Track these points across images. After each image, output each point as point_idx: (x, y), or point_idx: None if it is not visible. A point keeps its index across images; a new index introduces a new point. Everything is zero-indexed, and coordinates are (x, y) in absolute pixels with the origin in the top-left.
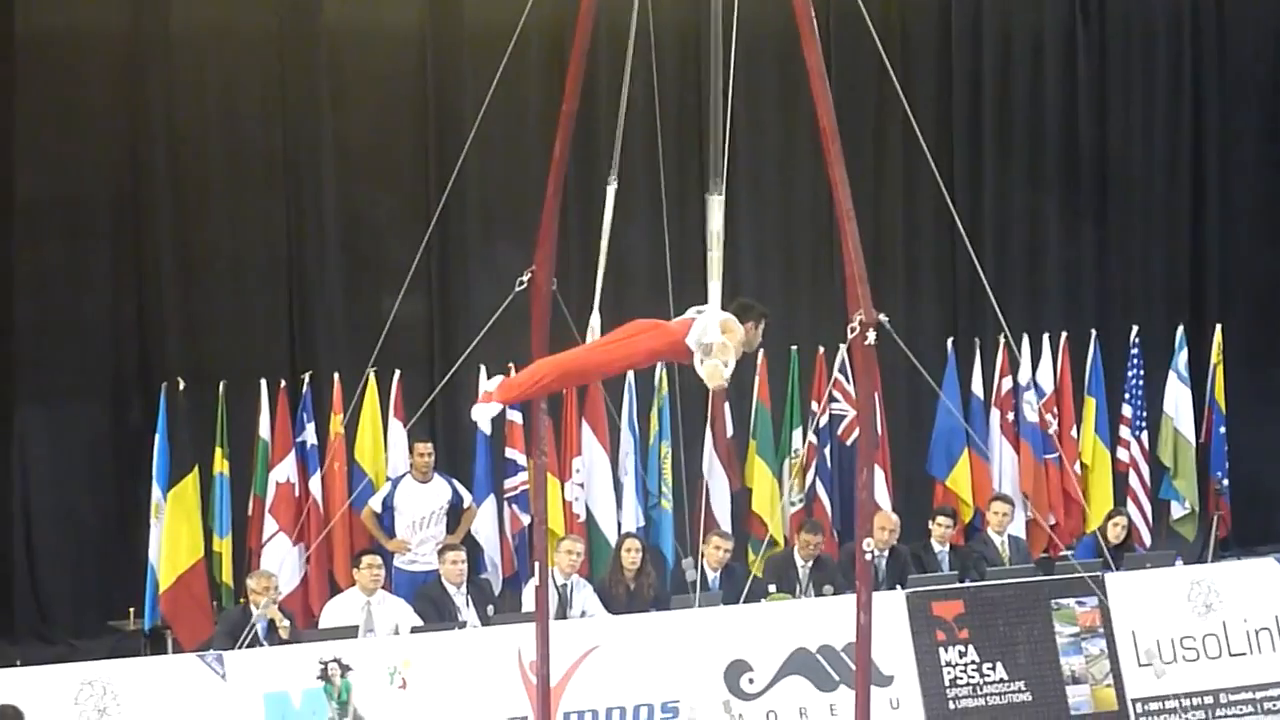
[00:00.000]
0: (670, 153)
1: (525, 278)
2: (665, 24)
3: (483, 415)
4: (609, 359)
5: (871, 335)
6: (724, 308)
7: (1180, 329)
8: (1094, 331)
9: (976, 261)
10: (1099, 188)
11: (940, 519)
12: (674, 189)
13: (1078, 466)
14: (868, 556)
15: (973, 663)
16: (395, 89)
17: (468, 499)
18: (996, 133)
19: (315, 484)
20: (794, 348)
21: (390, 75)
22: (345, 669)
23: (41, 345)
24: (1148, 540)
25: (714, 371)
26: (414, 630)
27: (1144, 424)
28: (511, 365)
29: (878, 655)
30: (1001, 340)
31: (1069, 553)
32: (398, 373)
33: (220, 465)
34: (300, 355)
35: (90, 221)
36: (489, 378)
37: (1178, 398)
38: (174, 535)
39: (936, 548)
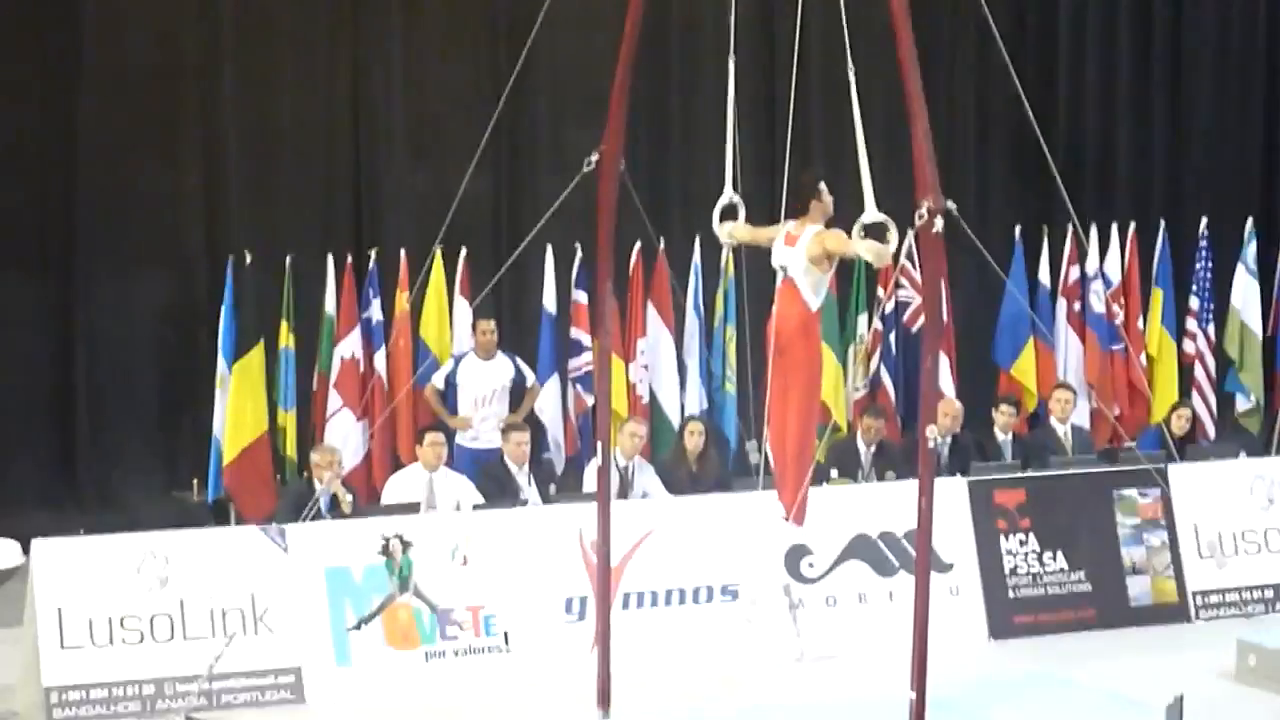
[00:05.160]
0: (744, 35)
1: (594, 158)
2: None
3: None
4: (814, 404)
5: (939, 222)
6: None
7: (1250, 221)
8: (1162, 222)
9: (1046, 150)
10: (1172, 79)
11: (1004, 407)
12: (745, 72)
13: (1143, 358)
14: (930, 443)
15: (1033, 551)
16: None
17: (531, 378)
18: (1070, 19)
19: (380, 360)
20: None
21: None
22: (407, 545)
23: (107, 217)
24: (1212, 433)
25: (879, 252)
26: (476, 507)
27: (1211, 316)
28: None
29: (938, 542)
30: (1070, 229)
31: (1132, 444)
32: (464, 250)
33: (286, 339)
34: (367, 231)
35: (157, 93)
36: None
37: (1246, 291)
38: (239, 408)
39: (999, 436)
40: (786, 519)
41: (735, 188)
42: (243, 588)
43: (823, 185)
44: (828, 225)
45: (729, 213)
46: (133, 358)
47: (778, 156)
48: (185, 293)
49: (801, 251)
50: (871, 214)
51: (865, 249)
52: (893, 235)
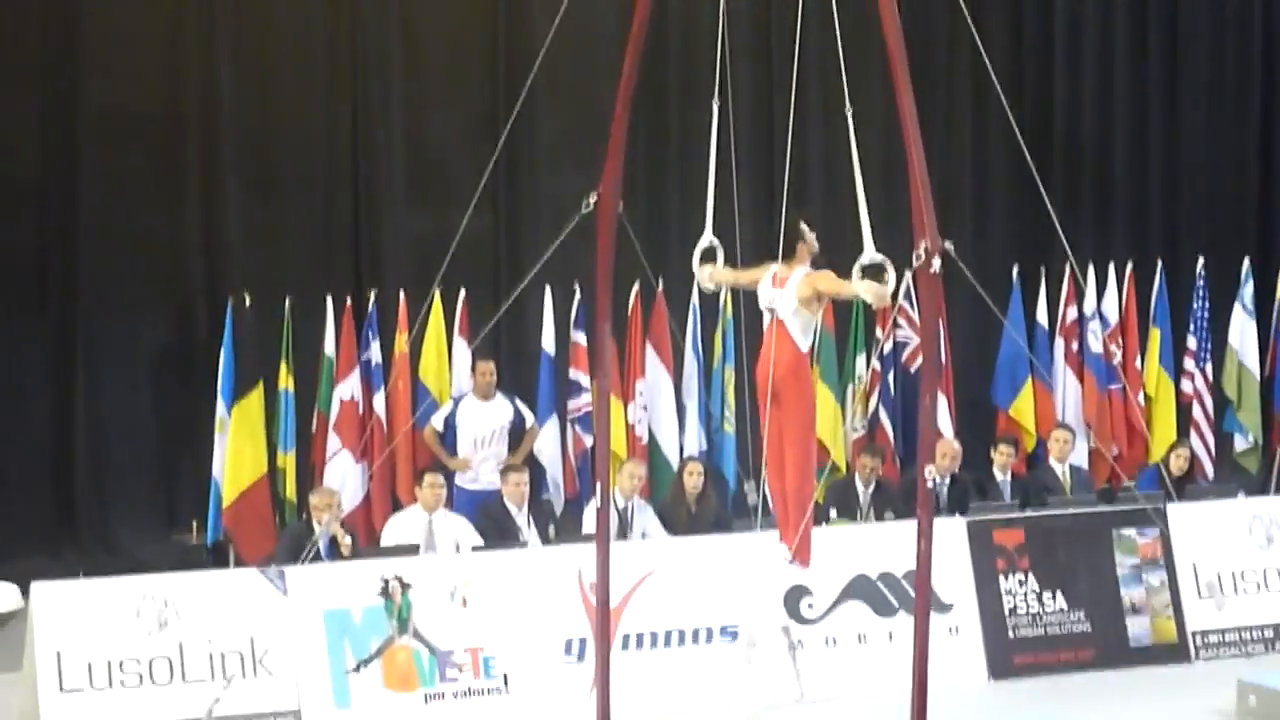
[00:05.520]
0: (741, 77)
1: (592, 199)
2: None
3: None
4: (811, 444)
5: (937, 262)
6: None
7: (1246, 261)
8: (1160, 262)
9: (1043, 190)
10: (1169, 118)
11: (1002, 447)
12: (745, 113)
13: (1141, 397)
14: (929, 483)
15: (1033, 591)
16: (465, 4)
17: (530, 419)
18: (1067, 60)
19: (379, 401)
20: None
21: None
22: (406, 586)
23: (108, 257)
24: (1210, 473)
25: (879, 293)
26: (475, 549)
27: (1208, 356)
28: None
29: (938, 582)
30: (1067, 269)
31: (1131, 484)
32: (463, 291)
33: (285, 381)
34: (366, 272)
35: (157, 133)
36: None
37: (1243, 330)
38: (238, 450)
39: (998, 476)
40: (791, 561)
41: (714, 230)
42: (242, 630)
43: (805, 226)
44: (814, 265)
45: (708, 255)
46: (132, 399)
47: (776, 198)
48: (185, 334)
49: (791, 293)
50: (870, 255)
51: (864, 289)
52: (890, 276)
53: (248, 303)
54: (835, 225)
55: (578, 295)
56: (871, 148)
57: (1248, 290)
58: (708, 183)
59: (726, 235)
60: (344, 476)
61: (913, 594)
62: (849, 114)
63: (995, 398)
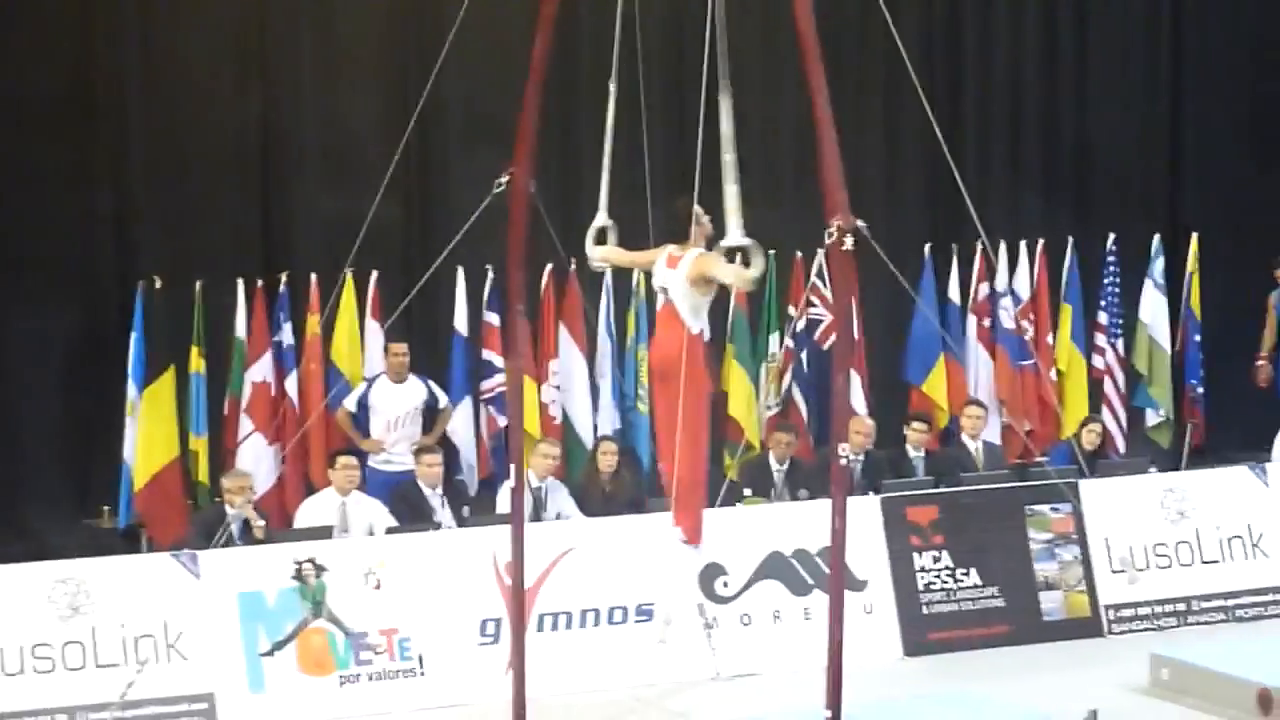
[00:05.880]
0: (653, 58)
1: (504, 179)
2: None
3: (693, 557)
4: (704, 421)
5: (849, 240)
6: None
7: (1157, 237)
8: (1071, 239)
9: (955, 168)
10: (1078, 96)
11: (915, 424)
12: (656, 93)
13: (1053, 373)
14: (843, 461)
15: (947, 568)
16: None
17: (444, 400)
18: (977, 39)
19: (291, 384)
20: (772, 252)
21: None
22: (320, 569)
23: (15, 242)
24: (1122, 447)
25: (741, 277)
26: (389, 531)
27: (1120, 331)
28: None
29: (852, 560)
30: (979, 247)
31: (1043, 459)
32: (375, 273)
33: (196, 364)
34: (277, 255)
35: (64, 117)
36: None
37: (1154, 305)
38: (149, 434)
39: (911, 453)
40: (685, 542)
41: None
42: (155, 614)
43: (699, 209)
44: (709, 248)
45: (601, 236)
46: (42, 384)
47: (689, 180)
48: (94, 318)
49: (681, 274)
50: (735, 238)
51: (727, 273)
52: (757, 259)
53: (158, 285)
54: (751, 202)
55: (490, 276)
56: (784, 127)
57: (1158, 266)
58: (603, 164)
59: (638, 218)
60: (257, 459)
61: (827, 571)
62: (724, 94)
63: (908, 375)
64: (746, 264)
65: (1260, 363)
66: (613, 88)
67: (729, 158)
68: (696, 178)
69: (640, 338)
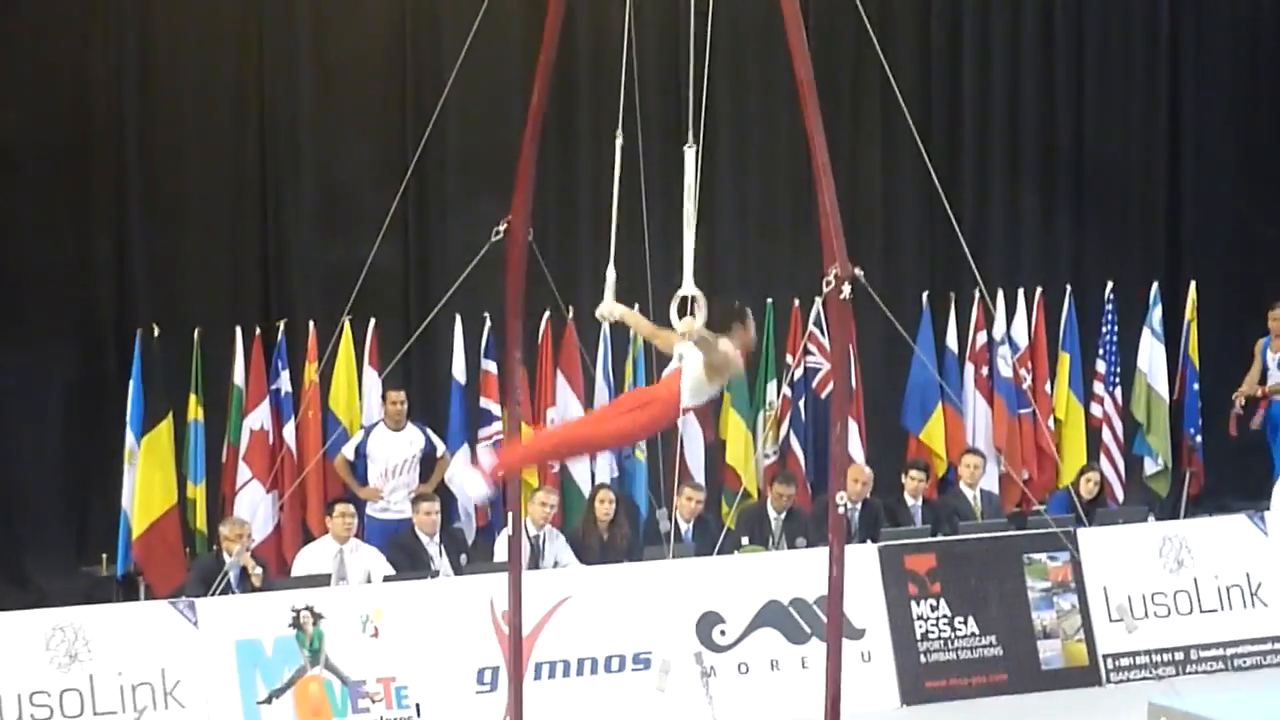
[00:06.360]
0: (651, 106)
1: (501, 227)
2: None
3: (472, 487)
4: (609, 432)
5: (847, 289)
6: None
7: (1155, 286)
8: (1069, 287)
9: (953, 216)
10: (1076, 144)
11: (913, 472)
12: (655, 142)
13: (1051, 421)
14: (840, 509)
15: (944, 616)
16: (373, 34)
17: (441, 448)
18: (975, 88)
19: (289, 432)
20: (769, 300)
21: (368, 20)
22: (318, 617)
23: (14, 290)
24: (1120, 496)
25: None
26: (386, 579)
27: (1118, 380)
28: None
29: (850, 608)
30: (977, 295)
31: (1041, 508)
32: (372, 321)
33: (195, 412)
34: (275, 303)
35: (64, 165)
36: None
37: (1152, 354)
38: (147, 481)
39: (909, 501)
40: (473, 465)
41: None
42: (153, 662)
43: (750, 319)
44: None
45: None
46: (40, 431)
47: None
48: (93, 366)
49: (698, 358)
50: (688, 287)
51: (720, 356)
52: (701, 311)
53: (156, 334)
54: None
55: (488, 324)
56: (781, 175)
57: (1156, 314)
58: (611, 215)
59: (635, 263)
60: (254, 507)
61: (825, 620)
62: (689, 150)
63: (906, 423)
64: (694, 314)
65: (1235, 410)
66: (619, 140)
67: (690, 207)
68: (687, 224)
69: (638, 385)
